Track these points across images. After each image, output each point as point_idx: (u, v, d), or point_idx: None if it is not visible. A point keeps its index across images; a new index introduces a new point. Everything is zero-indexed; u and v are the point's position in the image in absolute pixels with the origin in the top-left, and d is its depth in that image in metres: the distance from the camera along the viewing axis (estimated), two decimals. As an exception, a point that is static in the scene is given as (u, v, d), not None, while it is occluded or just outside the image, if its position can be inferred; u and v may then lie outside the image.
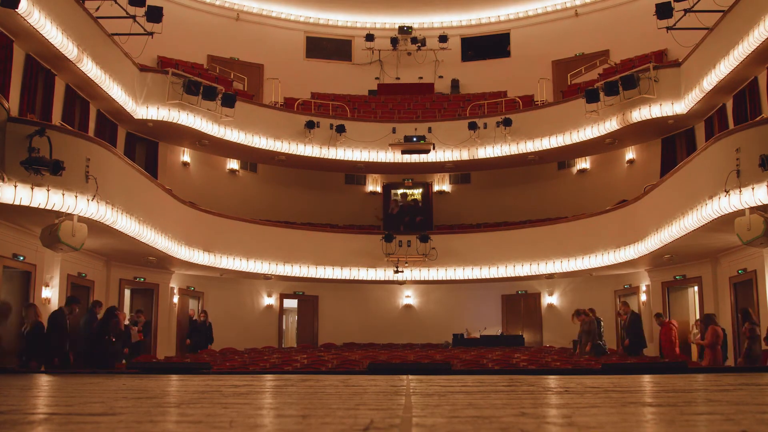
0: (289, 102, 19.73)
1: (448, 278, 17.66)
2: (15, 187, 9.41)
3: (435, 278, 17.77)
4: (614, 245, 15.46)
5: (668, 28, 14.55)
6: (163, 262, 15.03)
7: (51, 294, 12.31)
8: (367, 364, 11.10)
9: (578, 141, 17.10)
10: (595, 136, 16.77)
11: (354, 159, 18.42)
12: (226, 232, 16.28)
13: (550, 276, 17.42)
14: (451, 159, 18.40)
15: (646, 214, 14.31)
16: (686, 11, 14.18)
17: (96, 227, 10.96)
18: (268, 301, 18.50)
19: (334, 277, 17.52)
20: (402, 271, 17.33)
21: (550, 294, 18.37)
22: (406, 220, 19.23)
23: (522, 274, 17.24)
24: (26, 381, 6.29)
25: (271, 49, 20.16)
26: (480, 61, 22.06)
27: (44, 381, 6.28)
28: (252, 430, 2.08)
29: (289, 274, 17.33)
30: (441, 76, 21.98)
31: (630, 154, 17.93)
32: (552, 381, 5.54)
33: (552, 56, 20.68)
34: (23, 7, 10.64)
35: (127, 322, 13.34)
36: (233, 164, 19.14)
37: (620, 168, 18.27)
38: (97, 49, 13.46)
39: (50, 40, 11.73)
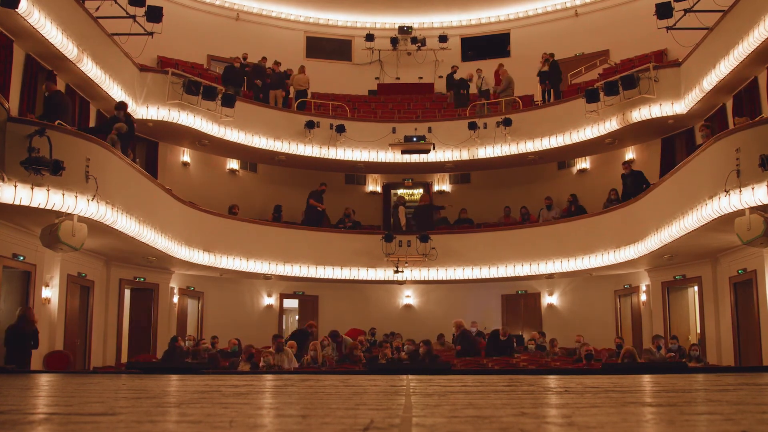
0: (289, 102, 19.72)
1: (448, 278, 17.66)
2: (15, 187, 9.41)
3: (435, 278, 17.77)
4: (614, 245, 15.46)
5: (668, 28, 14.55)
6: (163, 262, 15.03)
7: (51, 294, 12.31)
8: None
9: (578, 141, 17.09)
10: (595, 136, 16.77)
11: (354, 159, 18.42)
12: (226, 232, 16.27)
13: (550, 276, 17.43)
14: (451, 159, 18.40)
15: (646, 214, 14.31)
16: (686, 11, 14.17)
17: (96, 227, 10.96)
18: (268, 301, 18.49)
19: (334, 277, 17.52)
20: (402, 271, 17.33)
21: (550, 294, 18.37)
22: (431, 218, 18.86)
23: (522, 274, 17.24)
24: (26, 381, 6.29)
25: (271, 49, 20.14)
26: (480, 61, 22.04)
27: (44, 381, 6.28)
28: (252, 430, 2.08)
29: (289, 274, 17.33)
30: (441, 76, 21.97)
31: (630, 154, 17.93)
32: (552, 381, 5.54)
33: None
34: (23, 7, 10.64)
35: None
36: (233, 164, 19.13)
37: (620, 168, 18.22)
38: (97, 49, 13.46)
39: (50, 40, 11.73)
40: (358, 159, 18.44)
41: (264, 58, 19.21)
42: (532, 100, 19.78)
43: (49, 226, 10.22)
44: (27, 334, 10.34)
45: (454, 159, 18.37)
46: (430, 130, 18.25)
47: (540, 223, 17.77)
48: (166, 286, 16.13)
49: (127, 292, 15.66)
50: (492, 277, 17.37)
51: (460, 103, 19.71)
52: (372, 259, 17.49)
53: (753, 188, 10.00)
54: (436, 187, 20.39)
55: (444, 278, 17.69)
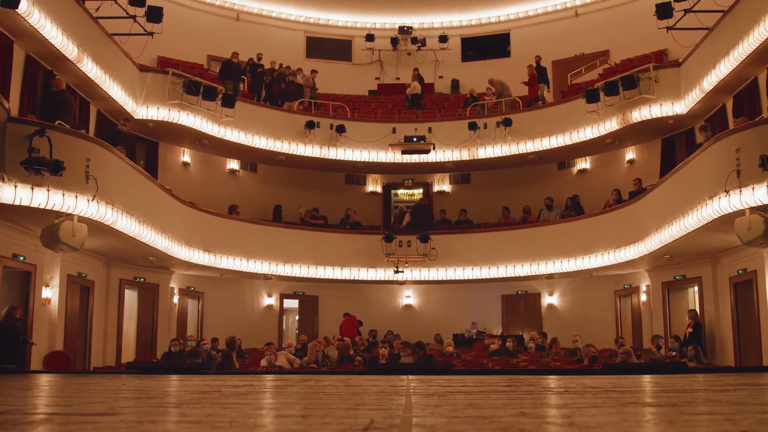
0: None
1: (448, 278, 17.65)
2: (15, 187, 9.41)
3: (435, 278, 17.77)
4: (614, 245, 15.46)
5: (668, 28, 14.55)
6: (163, 262, 15.03)
7: (51, 294, 12.31)
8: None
9: (578, 141, 17.09)
10: (595, 136, 16.76)
11: (354, 159, 18.41)
12: (226, 232, 16.27)
13: (550, 276, 17.42)
14: (451, 159, 18.39)
15: (646, 214, 14.31)
16: (686, 11, 14.17)
17: (96, 227, 10.96)
18: (268, 301, 18.49)
19: (334, 277, 17.52)
20: (402, 271, 17.33)
21: (550, 294, 18.36)
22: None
23: (522, 274, 17.24)
24: (26, 381, 6.29)
25: (271, 49, 20.14)
26: (480, 61, 22.05)
27: (44, 381, 6.28)
28: (252, 430, 2.08)
29: (289, 274, 17.33)
30: (441, 76, 21.96)
31: (630, 154, 17.93)
32: (552, 381, 5.54)
33: (552, 56, 20.64)
34: (23, 7, 10.63)
35: None
36: (233, 164, 19.13)
37: (620, 168, 18.26)
38: (97, 49, 13.46)
39: (50, 40, 11.73)
40: (358, 159, 18.43)
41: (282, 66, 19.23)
42: (533, 99, 19.75)
43: (49, 227, 10.22)
44: (13, 333, 10.30)
45: (454, 159, 18.37)
46: (430, 130, 18.24)
47: (540, 223, 17.76)
48: (166, 286, 16.13)
49: (134, 293, 15.66)
50: (492, 277, 17.36)
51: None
52: (372, 259, 17.49)
53: (753, 188, 10.00)
54: (436, 187, 20.39)
55: (444, 278, 17.69)
